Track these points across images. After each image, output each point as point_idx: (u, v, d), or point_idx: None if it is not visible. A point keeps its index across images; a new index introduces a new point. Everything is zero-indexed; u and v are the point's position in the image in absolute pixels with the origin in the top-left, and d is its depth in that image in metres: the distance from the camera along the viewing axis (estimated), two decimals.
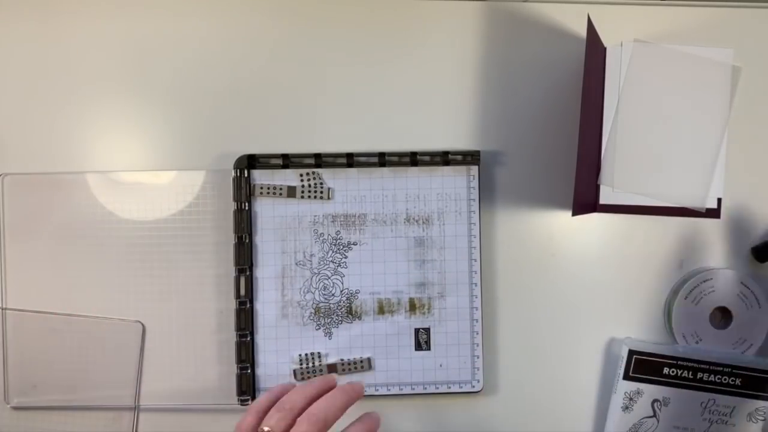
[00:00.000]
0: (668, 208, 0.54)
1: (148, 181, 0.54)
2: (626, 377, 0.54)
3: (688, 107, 0.55)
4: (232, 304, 0.54)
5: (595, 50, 0.52)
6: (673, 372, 0.54)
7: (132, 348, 0.54)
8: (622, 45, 0.55)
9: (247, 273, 0.54)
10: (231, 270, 0.54)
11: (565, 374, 0.56)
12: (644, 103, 0.55)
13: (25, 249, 0.54)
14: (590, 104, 0.51)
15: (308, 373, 0.54)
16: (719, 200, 0.54)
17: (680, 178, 0.54)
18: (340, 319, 0.55)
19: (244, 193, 0.54)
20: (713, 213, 0.54)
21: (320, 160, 0.54)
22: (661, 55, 0.55)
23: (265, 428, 0.42)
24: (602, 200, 0.54)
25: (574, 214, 0.48)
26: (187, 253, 0.54)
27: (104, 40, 0.55)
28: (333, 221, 0.55)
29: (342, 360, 0.55)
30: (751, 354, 0.55)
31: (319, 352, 0.55)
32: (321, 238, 0.55)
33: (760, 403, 0.54)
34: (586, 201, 0.52)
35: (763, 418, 0.54)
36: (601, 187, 0.54)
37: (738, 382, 0.54)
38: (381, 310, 0.55)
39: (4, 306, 0.54)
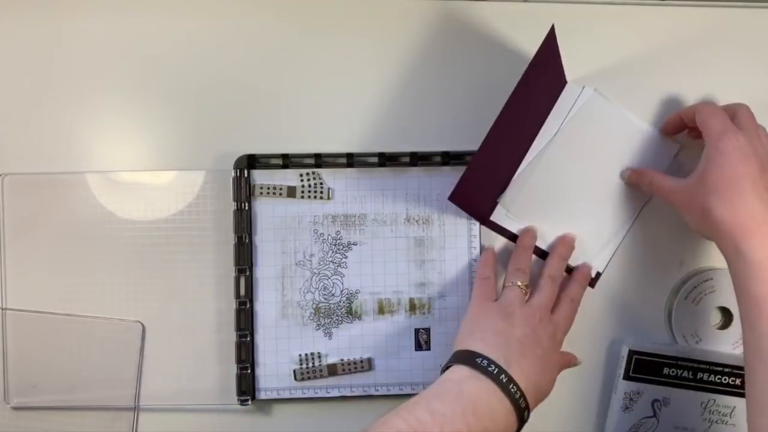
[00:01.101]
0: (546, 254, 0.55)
1: (148, 181, 0.54)
2: (626, 377, 0.54)
3: (617, 175, 0.54)
4: (232, 304, 0.54)
5: (548, 69, 0.51)
6: (673, 372, 0.54)
7: (132, 348, 0.54)
8: (583, 88, 0.54)
9: (247, 273, 0.54)
10: (231, 270, 0.54)
11: (565, 374, 0.56)
12: (577, 152, 0.54)
13: (25, 249, 0.54)
14: (520, 115, 0.50)
15: (308, 373, 0.54)
16: (598, 274, 0.55)
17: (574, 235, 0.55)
18: (340, 319, 0.55)
19: (244, 193, 0.54)
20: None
21: (320, 160, 0.54)
22: (613, 116, 0.54)
23: (519, 282, 0.51)
24: (494, 218, 0.54)
25: (450, 199, 0.49)
26: (187, 253, 0.54)
27: (104, 40, 0.55)
28: (333, 221, 0.55)
29: (342, 360, 0.55)
30: None
31: (319, 352, 0.55)
32: (321, 238, 0.55)
33: None
34: (475, 205, 0.53)
35: None
36: (498, 206, 0.54)
37: (738, 382, 0.54)
38: (381, 310, 0.55)
39: (4, 306, 0.54)
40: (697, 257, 0.56)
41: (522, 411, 0.44)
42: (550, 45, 0.48)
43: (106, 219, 0.54)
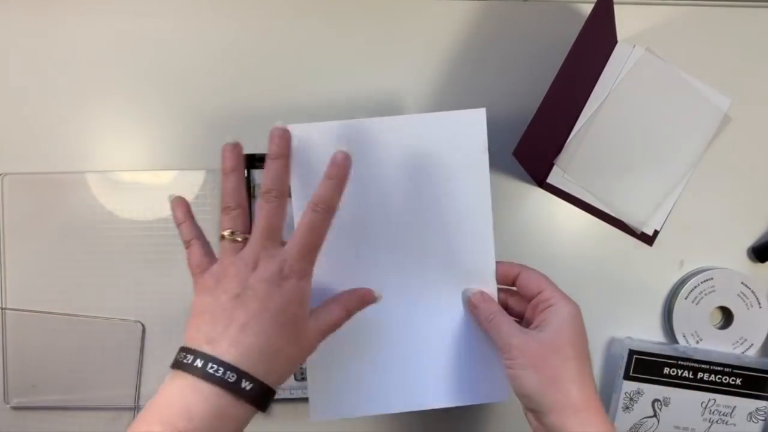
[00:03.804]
0: (608, 215, 0.54)
1: (148, 181, 0.54)
2: (626, 377, 0.54)
3: (668, 134, 0.55)
4: None
5: (601, 30, 0.51)
6: (673, 372, 0.54)
7: (132, 348, 0.54)
8: (634, 47, 0.55)
9: None
10: None
11: None
12: (629, 111, 0.55)
13: (25, 249, 0.54)
14: (575, 75, 0.50)
15: None
16: (656, 231, 0.55)
17: (630, 194, 0.55)
18: None
19: None
20: (646, 239, 0.55)
21: None
22: (665, 74, 0.55)
23: (225, 232, 0.40)
24: (551, 179, 0.55)
25: (513, 154, 0.47)
26: None
27: (104, 40, 0.55)
28: None
29: None
30: (751, 354, 0.55)
31: None
32: None
33: (760, 403, 0.54)
34: (534, 164, 0.52)
35: (763, 418, 0.54)
36: (554, 168, 0.54)
37: (738, 382, 0.54)
38: None
39: (4, 306, 0.54)
40: (697, 257, 0.56)
41: (237, 385, 0.36)
42: (605, 2, 0.48)
43: (106, 219, 0.54)
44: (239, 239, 0.40)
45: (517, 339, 0.42)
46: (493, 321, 0.44)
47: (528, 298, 0.46)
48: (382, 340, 0.46)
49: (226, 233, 0.40)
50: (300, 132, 0.44)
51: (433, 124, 0.44)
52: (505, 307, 0.46)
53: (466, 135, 0.44)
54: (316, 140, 0.44)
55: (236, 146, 0.43)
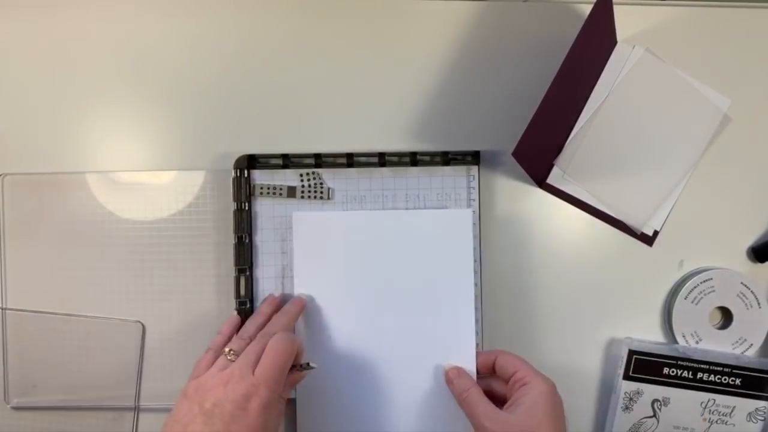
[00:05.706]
0: (608, 215, 0.55)
1: (148, 181, 0.54)
2: (626, 377, 0.54)
3: (668, 134, 0.55)
4: (232, 304, 0.54)
5: (601, 30, 0.51)
6: (673, 372, 0.54)
7: (132, 348, 0.54)
8: (634, 47, 0.55)
9: (247, 273, 0.54)
10: (231, 270, 0.54)
11: (565, 374, 0.56)
12: (629, 112, 0.55)
13: (25, 249, 0.54)
14: (574, 75, 0.50)
15: None
16: (656, 231, 0.55)
17: (630, 195, 0.55)
18: None
19: (244, 193, 0.54)
20: (646, 239, 0.55)
21: (320, 160, 0.54)
22: (665, 74, 0.55)
23: (226, 349, 0.46)
24: (551, 180, 0.55)
25: (513, 154, 0.47)
26: (187, 253, 0.54)
27: (104, 40, 0.55)
28: None
29: None
30: (751, 354, 0.55)
31: None
32: None
33: (760, 403, 0.54)
34: (534, 165, 0.53)
35: (763, 418, 0.54)
36: (554, 168, 0.54)
37: (738, 382, 0.54)
38: None
39: (4, 306, 0.54)
40: (697, 257, 0.56)
41: None
42: (605, 2, 0.48)
43: (106, 219, 0.54)
44: (231, 360, 0.45)
45: (489, 421, 0.45)
46: (468, 397, 0.47)
47: (506, 379, 0.48)
48: (363, 407, 0.52)
49: (227, 350, 0.46)
50: (303, 218, 0.53)
51: (424, 219, 0.53)
52: (490, 391, 0.49)
53: (454, 230, 0.52)
54: (319, 227, 0.53)
55: (276, 299, 0.52)
